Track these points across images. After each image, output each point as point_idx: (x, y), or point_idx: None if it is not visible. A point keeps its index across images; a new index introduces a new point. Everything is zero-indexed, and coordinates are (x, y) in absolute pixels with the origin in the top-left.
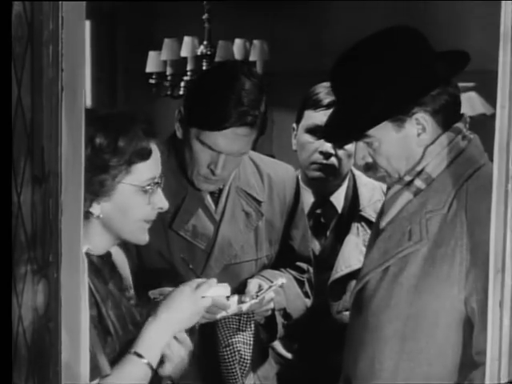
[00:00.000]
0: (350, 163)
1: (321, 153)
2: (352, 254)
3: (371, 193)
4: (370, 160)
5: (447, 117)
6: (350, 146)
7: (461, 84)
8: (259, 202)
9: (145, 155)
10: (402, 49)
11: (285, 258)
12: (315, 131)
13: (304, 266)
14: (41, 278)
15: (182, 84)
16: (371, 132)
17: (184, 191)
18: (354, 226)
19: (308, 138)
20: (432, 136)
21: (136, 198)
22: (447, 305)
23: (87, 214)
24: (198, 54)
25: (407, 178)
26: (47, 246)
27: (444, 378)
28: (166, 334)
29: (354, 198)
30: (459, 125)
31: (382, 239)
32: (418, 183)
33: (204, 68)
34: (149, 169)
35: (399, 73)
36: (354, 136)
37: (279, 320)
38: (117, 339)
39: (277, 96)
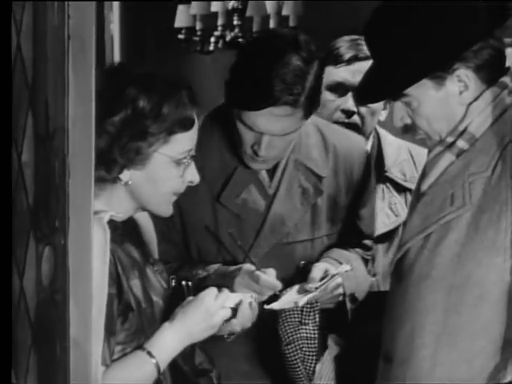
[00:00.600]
0: (374, 121)
1: (342, 111)
2: (377, 217)
3: (397, 152)
4: (408, 121)
5: (492, 72)
6: (375, 104)
7: None
8: (320, 178)
9: (187, 125)
10: None
11: (349, 237)
12: (336, 88)
13: (369, 242)
14: (45, 245)
15: (212, 39)
16: (409, 91)
17: (236, 163)
18: (379, 187)
19: (328, 95)
20: (475, 94)
21: (169, 170)
22: (492, 275)
23: (115, 179)
24: (229, 8)
25: (449, 140)
26: (53, 211)
27: (489, 353)
28: (179, 343)
29: (378, 158)
30: (505, 79)
31: (422, 204)
32: (461, 144)
33: (235, 23)
34: (188, 140)
35: (438, 26)
36: (390, 95)
37: (349, 306)
38: (138, 313)
39: None
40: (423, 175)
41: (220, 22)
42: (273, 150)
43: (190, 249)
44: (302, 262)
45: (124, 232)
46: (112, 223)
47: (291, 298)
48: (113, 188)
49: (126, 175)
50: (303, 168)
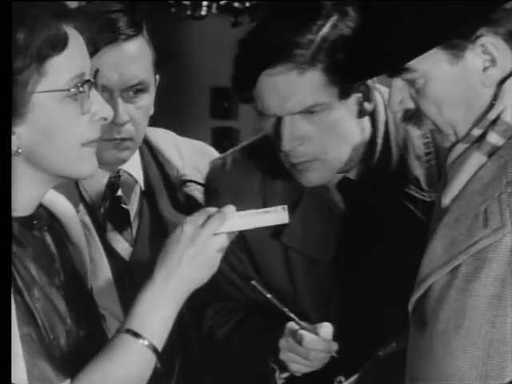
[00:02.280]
0: None
1: None
2: None
3: None
4: (410, 105)
5: None
6: None
7: None
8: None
9: (58, 44)
10: None
11: None
12: None
13: None
14: None
15: (205, 3)
16: (414, 64)
17: (299, 190)
18: None
19: None
20: (506, 70)
21: (62, 110)
22: None
23: None
24: None
25: (476, 133)
26: None
27: None
28: (168, 303)
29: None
30: None
31: (445, 224)
32: (493, 138)
33: None
34: (70, 62)
35: None
36: (387, 69)
37: None
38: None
39: None
40: (444, 184)
41: None
42: (305, 143)
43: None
44: None
45: (24, 236)
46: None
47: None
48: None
49: (12, 142)
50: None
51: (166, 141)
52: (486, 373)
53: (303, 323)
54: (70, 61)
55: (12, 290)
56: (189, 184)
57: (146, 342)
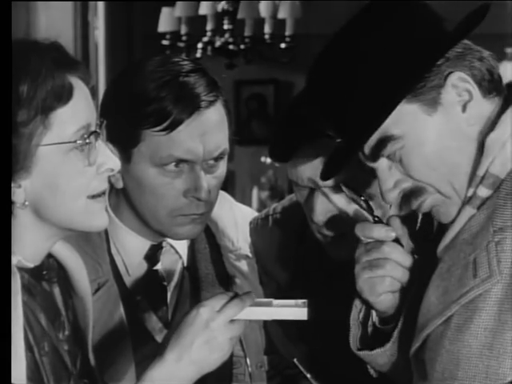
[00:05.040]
0: None
1: None
2: None
3: None
4: (406, 184)
5: (488, 82)
6: None
7: None
8: None
9: (63, 95)
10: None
11: None
12: None
13: None
14: None
15: (200, 45)
16: (393, 130)
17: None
18: None
19: None
20: (481, 106)
21: (68, 162)
22: None
23: None
24: (219, 10)
25: (470, 193)
26: None
27: None
28: (178, 380)
29: None
30: None
31: (438, 274)
32: (482, 192)
33: (225, 27)
34: (75, 113)
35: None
36: (364, 141)
37: None
38: None
39: (309, 60)
40: (441, 235)
41: (209, 26)
42: (337, 217)
43: None
44: None
45: (33, 286)
46: (20, 273)
47: None
48: (13, 218)
49: (18, 194)
50: None
51: (222, 206)
52: None
53: None
54: (76, 112)
55: (24, 348)
56: (242, 259)
57: None
